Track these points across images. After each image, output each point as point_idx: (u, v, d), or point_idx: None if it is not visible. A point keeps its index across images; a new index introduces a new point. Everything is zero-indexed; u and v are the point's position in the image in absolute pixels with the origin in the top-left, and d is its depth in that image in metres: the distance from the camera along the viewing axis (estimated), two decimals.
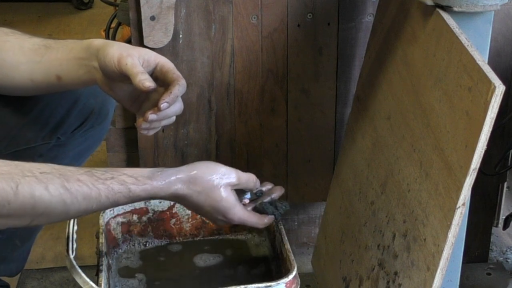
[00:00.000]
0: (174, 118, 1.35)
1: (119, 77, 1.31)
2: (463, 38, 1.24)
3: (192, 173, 1.28)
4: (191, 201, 1.29)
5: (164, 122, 1.33)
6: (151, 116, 1.29)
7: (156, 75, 1.33)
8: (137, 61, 1.30)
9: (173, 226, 1.56)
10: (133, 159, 1.91)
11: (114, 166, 1.90)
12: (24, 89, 1.43)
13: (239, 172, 1.34)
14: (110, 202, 1.23)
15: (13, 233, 1.61)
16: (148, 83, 1.27)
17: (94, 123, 1.57)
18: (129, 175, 1.24)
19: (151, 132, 1.35)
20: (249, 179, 1.36)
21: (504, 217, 1.92)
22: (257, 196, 1.39)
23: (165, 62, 1.33)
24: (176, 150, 1.84)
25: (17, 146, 1.54)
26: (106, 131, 1.64)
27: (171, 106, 1.30)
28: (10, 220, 1.16)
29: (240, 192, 1.35)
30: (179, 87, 1.30)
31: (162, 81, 1.32)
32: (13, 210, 1.14)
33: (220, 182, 1.30)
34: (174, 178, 1.27)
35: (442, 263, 1.21)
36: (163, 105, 1.28)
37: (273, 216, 1.39)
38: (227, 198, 1.31)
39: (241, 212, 1.34)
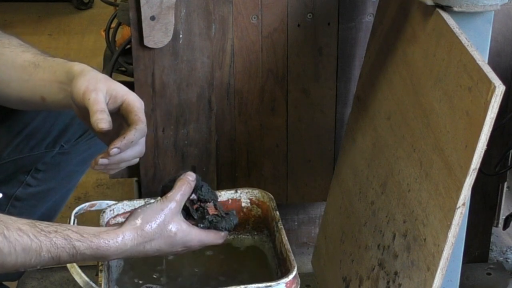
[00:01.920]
0: (136, 160, 1.28)
1: (85, 110, 1.25)
2: (463, 38, 1.24)
3: (137, 225, 1.22)
4: (147, 252, 1.23)
5: (124, 164, 1.27)
6: (102, 160, 1.23)
7: (122, 112, 1.27)
8: (101, 97, 1.24)
9: None
10: None
11: None
12: (15, 105, 1.42)
13: (174, 192, 1.27)
14: (51, 257, 1.14)
15: None
16: (102, 124, 1.20)
17: None
18: (74, 231, 1.17)
19: (112, 172, 1.28)
20: (184, 191, 1.28)
21: (504, 217, 1.92)
22: (200, 201, 1.33)
23: (131, 101, 1.26)
24: (176, 150, 1.84)
25: (20, 154, 1.54)
26: None
27: (128, 150, 1.24)
28: None
29: (186, 208, 1.32)
30: (135, 132, 1.23)
31: (126, 120, 1.27)
32: None
33: (164, 219, 1.24)
34: (121, 238, 1.20)
35: (442, 263, 1.21)
36: (112, 150, 1.21)
37: (227, 232, 1.35)
38: (179, 229, 1.26)
39: (198, 235, 1.29)
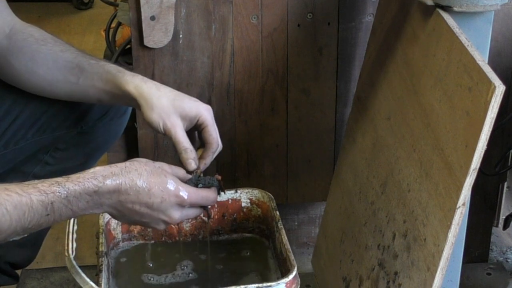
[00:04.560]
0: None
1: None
2: (463, 38, 1.24)
3: (127, 163, 1.19)
4: (136, 189, 1.17)
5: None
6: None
7: (196, 127, 1.36)
8: (182, 132, 1.32)
9: (173, 226, 1.56)
10: None
11: None
12: (61, 99, 1.49)
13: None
14: (44, 206, 1.09)
15: None
16: (193, 165, 1.30)
17: (114, 116, 1.59)
18: (61, 178, 1.12)
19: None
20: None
21: (504, 217, 1.92)
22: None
23: (205, 119, 1.35)
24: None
25: (43, 134, 1.55)
26: (123, 126, 1.65)
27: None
28: None
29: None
30: (213, 155, 1.36)
31: (199, 133, 1.37)
32: None
33: (161, 166, 1.24)
34: (108, 167, 1.16)
35: (442, 263, 1.21)
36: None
37: (215, 188, 1.31)
38: (172, 175, 1.24)
39: (191, 188, 1.25)
